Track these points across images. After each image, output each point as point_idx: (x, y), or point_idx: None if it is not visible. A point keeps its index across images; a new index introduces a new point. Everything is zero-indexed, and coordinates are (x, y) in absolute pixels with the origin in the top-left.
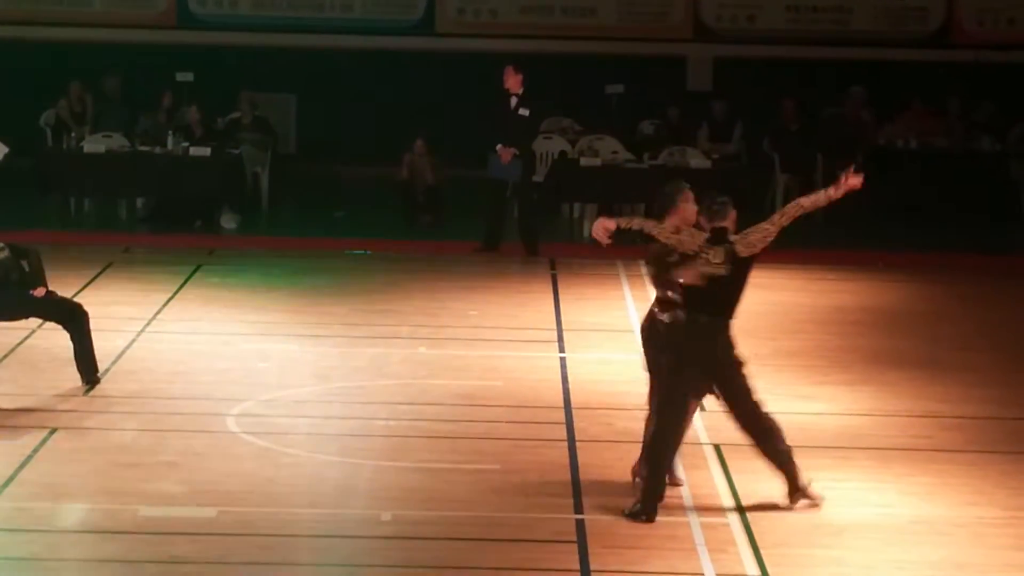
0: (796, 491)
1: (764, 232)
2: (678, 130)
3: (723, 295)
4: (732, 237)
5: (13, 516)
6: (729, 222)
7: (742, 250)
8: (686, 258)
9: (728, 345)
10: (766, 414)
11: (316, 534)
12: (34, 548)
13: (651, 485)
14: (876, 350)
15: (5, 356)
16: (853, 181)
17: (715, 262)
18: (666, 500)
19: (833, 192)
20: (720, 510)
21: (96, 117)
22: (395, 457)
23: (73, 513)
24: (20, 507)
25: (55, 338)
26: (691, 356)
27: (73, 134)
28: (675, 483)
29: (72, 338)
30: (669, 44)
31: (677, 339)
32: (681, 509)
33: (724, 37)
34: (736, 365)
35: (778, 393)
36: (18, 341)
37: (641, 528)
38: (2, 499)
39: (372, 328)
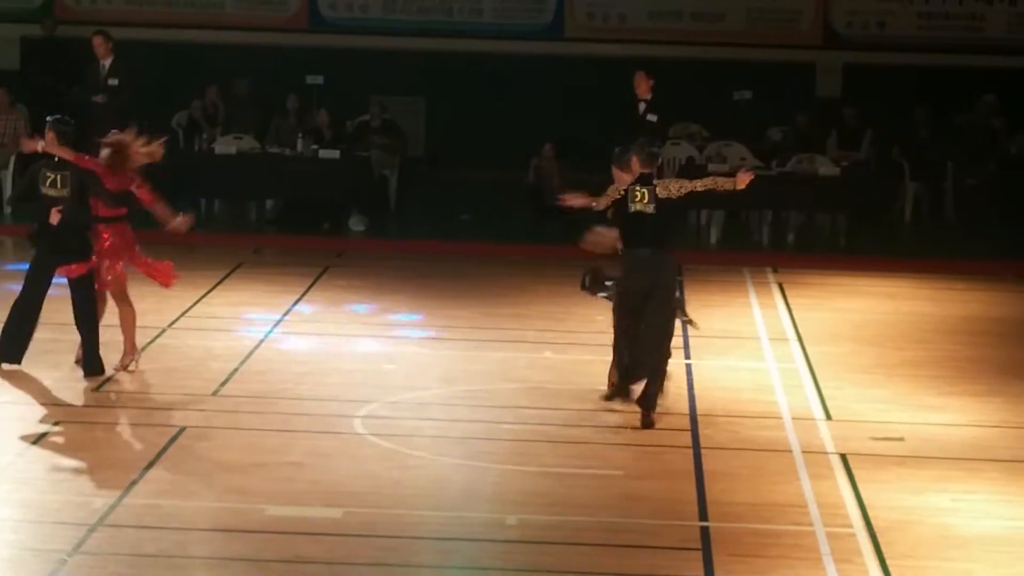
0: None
1: (681, 184)
2: (807, 137)
3: (653, 230)
4: (655, 181)
5: (142, 513)
6: (656, 167)
7: (660, 191)
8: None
9: (667, 274)
10: (668, 346)
11: (440, 536)
12: (163, 545)
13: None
14: (1006, 361)
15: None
16: (744, 177)
17: (643, 202)
18: (792, 509)
19: (733, 186)
20: (846, 520)
21: (227, 119)
22: (520, 461)
23: (201, 511)
24: (149, 504)
25: (184, 337)
26: (633, 283)
27: (205, 135)
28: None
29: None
30: (798, 50)
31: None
32: (807, 518)
33: (854, 44)
34: (670, 294)
35: (906, 403)
36: (148, 340)
37: (767, 537)
38: (132, 496)
39: (498, 332)
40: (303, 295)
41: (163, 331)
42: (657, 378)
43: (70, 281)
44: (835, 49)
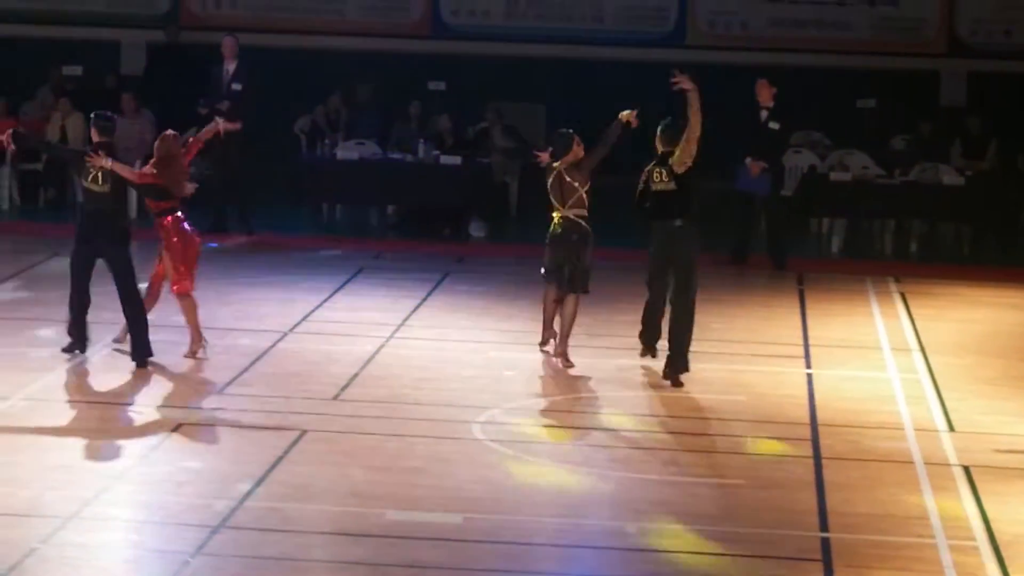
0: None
1: (683, 148)
2: (930, 146)
3: (674, 204)
4: (671, 160)
5: (264, 516)
6: (676, 147)
7: (676, 168)
8: None
9: (688, 242)
10: (691, 308)
11: (560, 543)
12: (284, 548)
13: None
14: None
15: (257, 359)
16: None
17: (664, 180)
18: (914, 521)
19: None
20: (969, 533)
21: (349, 124)
22: (640, 469)
23: (322, 515)
24: (271, 507)
25: (306, 342)
26: (657, 251)
27: (327, 141)
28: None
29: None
30: (923, 59)
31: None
32: (929, 531)
33: (979, 51)
34: (693, 260)
35: None
36: (270, 344)
37: (887, 549)
38: (253, 499)
39: (617, 339)
40: (423, 300)
41: (284, 335)
42: (686, 343)
43: (111, 268)
44: (960, 57)
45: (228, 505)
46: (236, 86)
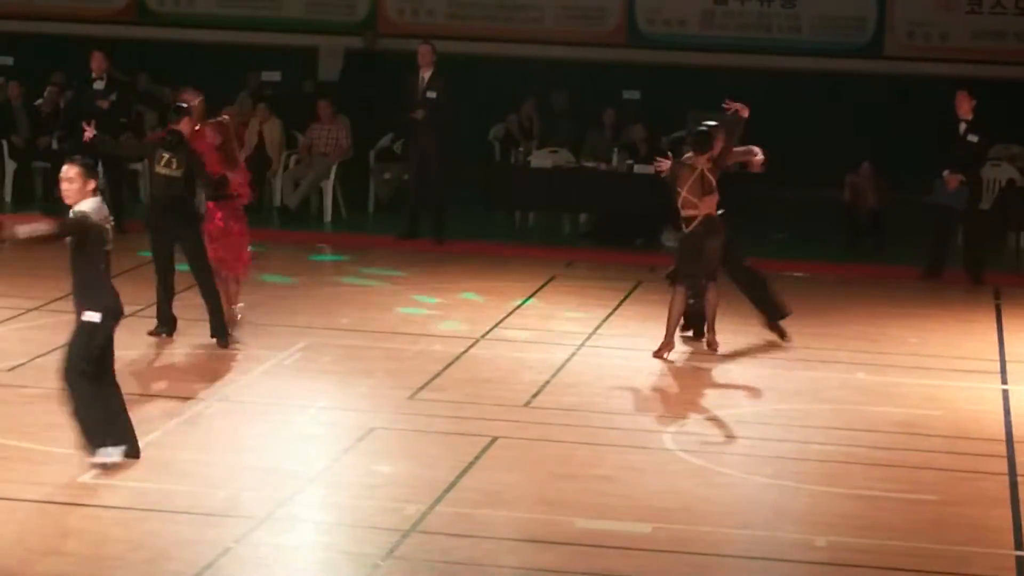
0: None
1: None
2: None
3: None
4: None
5: (454, 521)
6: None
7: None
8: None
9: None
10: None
11: (749, 555)
12: (474, 553)
13: None
14: None
15: (448, 365)
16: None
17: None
18: None
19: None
20: None
21: (543, 132)
22: (831, 482)
23: (511, 521)
24: (461, 512)
25: (497, 348)
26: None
27: (521, 148)
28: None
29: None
30: None
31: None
32: None
33: None
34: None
35: None
36: (462, 350)
37: None
38: (444, 504)
39: (810, 351)
40: (615, 309)
41: (476, 342)
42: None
43: (185, 250)
44: None
45: (419, 509)
46: (431, 94)
